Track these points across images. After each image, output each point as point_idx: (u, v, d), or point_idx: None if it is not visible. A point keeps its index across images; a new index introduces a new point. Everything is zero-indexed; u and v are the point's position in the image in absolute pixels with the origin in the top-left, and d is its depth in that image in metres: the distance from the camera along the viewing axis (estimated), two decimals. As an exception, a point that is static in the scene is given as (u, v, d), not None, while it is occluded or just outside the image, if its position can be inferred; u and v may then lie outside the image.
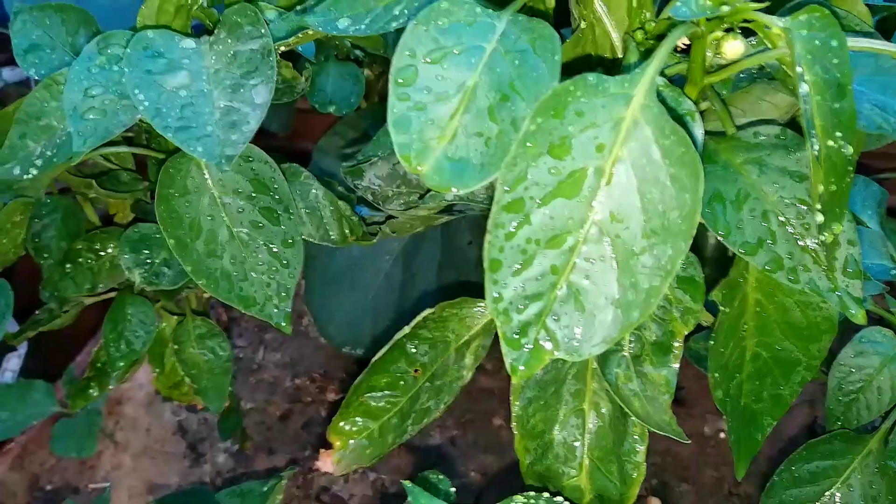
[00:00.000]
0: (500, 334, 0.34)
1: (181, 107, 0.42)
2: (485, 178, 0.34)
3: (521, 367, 0.34)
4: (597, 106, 0.33)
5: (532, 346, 0.34)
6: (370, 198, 0.58)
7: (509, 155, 0.33)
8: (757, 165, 0.41)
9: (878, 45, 0.39)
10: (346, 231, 0.55)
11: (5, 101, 1.41)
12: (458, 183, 0.34)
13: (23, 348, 0.88)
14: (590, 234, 0.34)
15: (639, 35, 0.42)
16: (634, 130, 0.33)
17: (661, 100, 0.35)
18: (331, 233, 0.55)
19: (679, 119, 0.38)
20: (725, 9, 0.35)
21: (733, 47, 0.40)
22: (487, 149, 0.34)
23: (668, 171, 0.33)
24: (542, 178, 0.33)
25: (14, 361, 0.91)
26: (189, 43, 0.46)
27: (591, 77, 0.33)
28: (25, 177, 0.49)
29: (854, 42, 0.38)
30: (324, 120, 0.92)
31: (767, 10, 0.38)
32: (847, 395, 0.57)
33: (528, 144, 0.33)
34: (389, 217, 0.60)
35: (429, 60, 0.34)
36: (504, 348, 0.34)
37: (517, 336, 0.34)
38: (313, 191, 0.55)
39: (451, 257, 0.93)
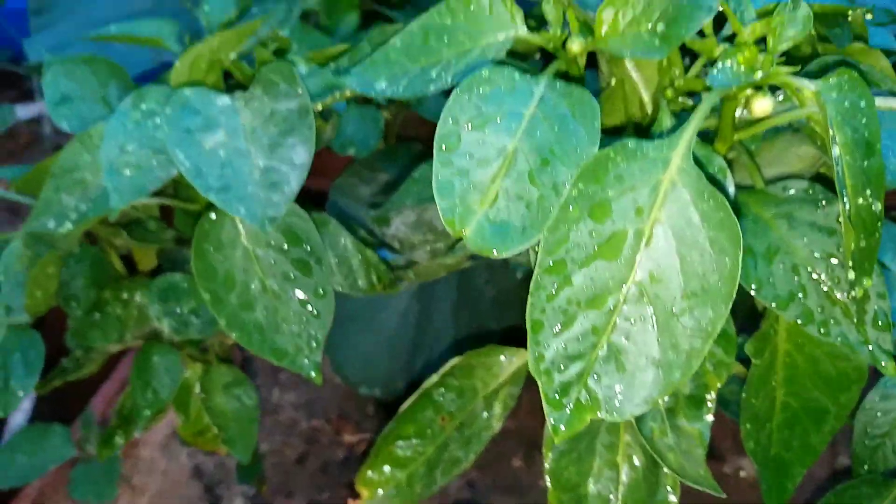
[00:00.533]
0: (542, 394, 0.34)
1: (221, 166, 0.43)
2: (526, 242, 0.34)
3: (563, 428, 0.34)
4: (635, 170, 0.34)
5: (573, 407, 0.34)
6: (396, 245, 0.58)
7: (551, 219, 0.34)
8: (787, 220, 0.42)
9: (905, 104, 0.40)
10: (374, 279, 0.56)
11: (18, 138, 1.43)
12: (500, 245, 0.34)
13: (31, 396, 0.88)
14: (630, 294, 0.34)
15: (669, 92, 0.43)
16: (672, 193, 0.34)
17: (696, 160, 0.36)
18: (359, 281, 0.56)
19: (711, 177, 0.39)
20: (759, 75, 0.36)
21: (762, 105, 0.40)
22: (529, 212, 0.34)
23: (707, 235, 0.33)
24: (582, 240, 0.34)
25: (26, 401, 0.91)
26: (224, 100, 0.47)
27: (631, 143, 0.34)
28: (60, 230, 0.50)
29: (882, 102, 0.39)
30: (339, 158, 0.93)
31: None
32: (873, 438, 0.57)
33: (569, 209, 0.34)
34: (412, 261, 0.61)
35: (471, 127, 0.35)
36: (546, 408, 0.34)
37: (558, 396, 0.34)
38: (342, 240, 0.55)
39: (467, 297, 0.93)
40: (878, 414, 0.56)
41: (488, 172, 0.35)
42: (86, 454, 0.82)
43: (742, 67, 0.35)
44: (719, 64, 0.35)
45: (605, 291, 0.34)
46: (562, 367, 0.34)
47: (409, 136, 0.93)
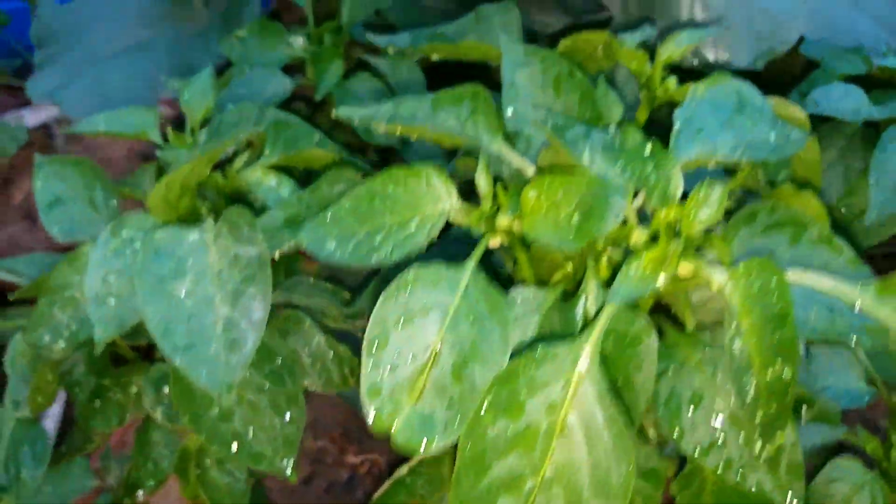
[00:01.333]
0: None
1: (188, 318, 0.46)
2: (448, 439, 0.38)
3: None
4: (547, 370, 0.37)
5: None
6: (369, 338, 0.62)
7: (468, 421, 0.37)
8: (713, 366, 0.45)
9: (823, 282, 0.41)
10: (347, 373, 0.60)
11: (31, 146, 1.46)
12: (427, 438, 0.38)
13: (62, 395, 0.95)
14: (545, 478, 0.38)
15: (600, 244, 0.45)
16: (582, 388, 0.37)
17: (616, 319, 0.39)
18: (333, 377, 0.60)
19: (635, 336, 0.42)
20: (662, 280, 0.38)
21: (686, 269, 0.43)
22: (450, 410, 0.38)
23: (610, 437, 0.36)
24: (499, 436, 0.37)
25: (55, 408, 0.98)
26: (194, 236, 0.50)
27: (539, 351, 0.37)
28: (55, 347, 0.55)
29: (795, 276, 0.41)
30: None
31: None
32: (822, 519, 0.61)
33: (484, 411, 0.37)
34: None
35: (399, 326, 0.38)
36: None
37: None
38: (316, 338, 0.59)
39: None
40: (825, 497, 0.60)
41: (416, 366, 0.38)
42: (106, 485, 0.88)
43: (648, 270, 0.38)
44: (622, 272, 0.38)
45: (521, 478, 0.38)
46: (483, 545, 0.38)
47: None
